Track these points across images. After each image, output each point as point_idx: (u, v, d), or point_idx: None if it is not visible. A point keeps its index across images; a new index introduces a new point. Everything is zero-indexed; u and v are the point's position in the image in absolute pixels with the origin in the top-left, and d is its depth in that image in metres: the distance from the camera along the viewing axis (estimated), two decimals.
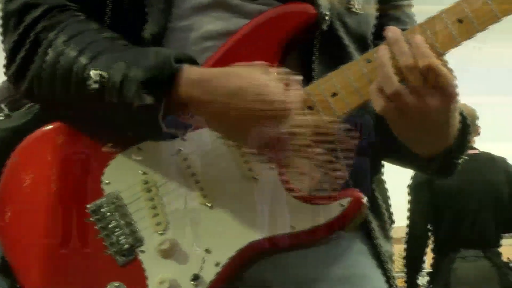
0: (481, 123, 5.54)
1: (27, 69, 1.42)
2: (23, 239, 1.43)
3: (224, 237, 1.36)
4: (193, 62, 1.36)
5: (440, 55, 1.34)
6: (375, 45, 1.54)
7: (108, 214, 1.40)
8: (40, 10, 1.43)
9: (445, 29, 1.35)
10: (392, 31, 1.35)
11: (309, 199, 1.36)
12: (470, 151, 5.45)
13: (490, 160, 5.57)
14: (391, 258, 1.58)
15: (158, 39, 1.44)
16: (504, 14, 1.35)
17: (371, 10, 1.57)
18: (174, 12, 1.46)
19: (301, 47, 1.45)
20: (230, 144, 1.38)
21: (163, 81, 1.32)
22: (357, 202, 1.36)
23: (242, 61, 1.37)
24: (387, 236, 1.57)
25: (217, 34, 1.46)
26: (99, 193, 1.41)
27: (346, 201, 1.35)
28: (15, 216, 1.44)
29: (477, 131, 5.55)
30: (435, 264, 5.47)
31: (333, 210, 1.35)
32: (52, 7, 1.43)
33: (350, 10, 1.52)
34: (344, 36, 1.50)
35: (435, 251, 5.51)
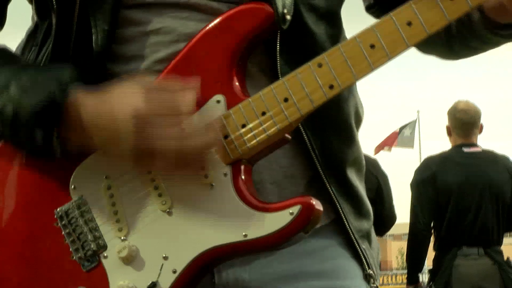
0: (484, 120, 5.55)
1: None
2: None
3: (181, 244, 1.37)
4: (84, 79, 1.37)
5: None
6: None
7: (74, 220, 1.41)
8: None
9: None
10: None
11: (261, 207, 1.36)
12: (473, 149, 5.45)
13: (492, 158, 5.56)
14: (367, 235, 1.54)
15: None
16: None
17: None
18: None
19: (266, 42, 1.43)
20: None
21: (52, 116, 1.34)
22: (308, 209, 1.34)
23: (200, 65, 1.37)
24: (361, 213, 1.53)
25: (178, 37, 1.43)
26: (67, 197, 1.42)
27: (296, 209, 1.34)
28: None
29: (480, 128, 5.55)
30: (436, 261, 5.48)
31: (283, 218, 1.34)
32: None
33: None
34: (310, 22, 1.46)
35: (436, 248, 5.51)
